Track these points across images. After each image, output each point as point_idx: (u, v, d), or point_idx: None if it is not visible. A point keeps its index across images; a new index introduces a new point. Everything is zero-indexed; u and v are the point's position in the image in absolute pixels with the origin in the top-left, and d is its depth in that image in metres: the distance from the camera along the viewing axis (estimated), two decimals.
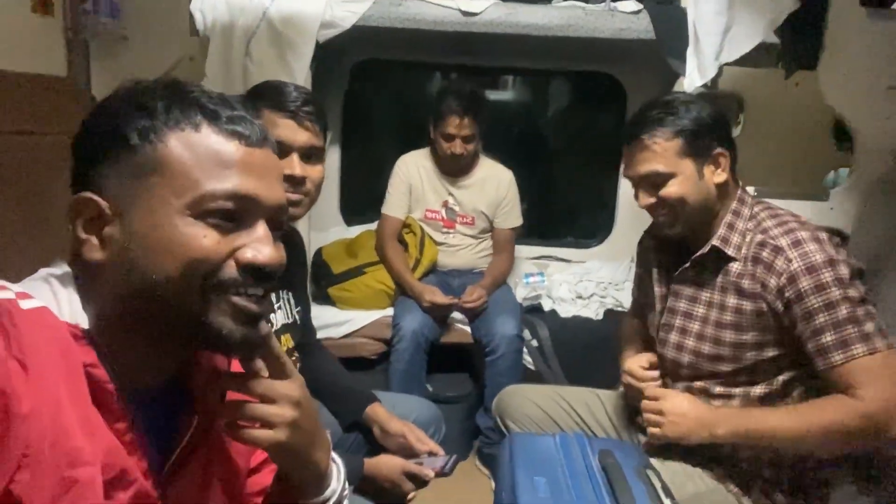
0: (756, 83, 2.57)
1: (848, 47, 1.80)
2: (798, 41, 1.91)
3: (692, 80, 1.74)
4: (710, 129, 1.42)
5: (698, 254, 1.45)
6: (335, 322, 2.60)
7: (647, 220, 1.68)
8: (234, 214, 0.71)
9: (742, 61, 2.06)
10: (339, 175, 3.17)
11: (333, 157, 3.07)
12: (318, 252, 2.80)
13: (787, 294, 1.32)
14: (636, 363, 1.55)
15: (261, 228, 0.73)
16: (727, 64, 2.06)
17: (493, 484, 2.50)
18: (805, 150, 2.61)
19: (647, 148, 1.40)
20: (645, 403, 1.45)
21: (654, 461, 1.43)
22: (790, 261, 1.32)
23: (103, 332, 0.70)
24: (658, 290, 1.59)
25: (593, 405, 1.73)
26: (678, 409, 1.39)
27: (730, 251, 1.41)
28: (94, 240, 0.70)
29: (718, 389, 1.45)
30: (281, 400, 0.75)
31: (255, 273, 0.72)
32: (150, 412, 0.74)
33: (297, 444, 0.77)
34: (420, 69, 3.51)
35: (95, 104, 0.73)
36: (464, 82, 3.03)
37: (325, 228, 3.06)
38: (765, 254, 1.37)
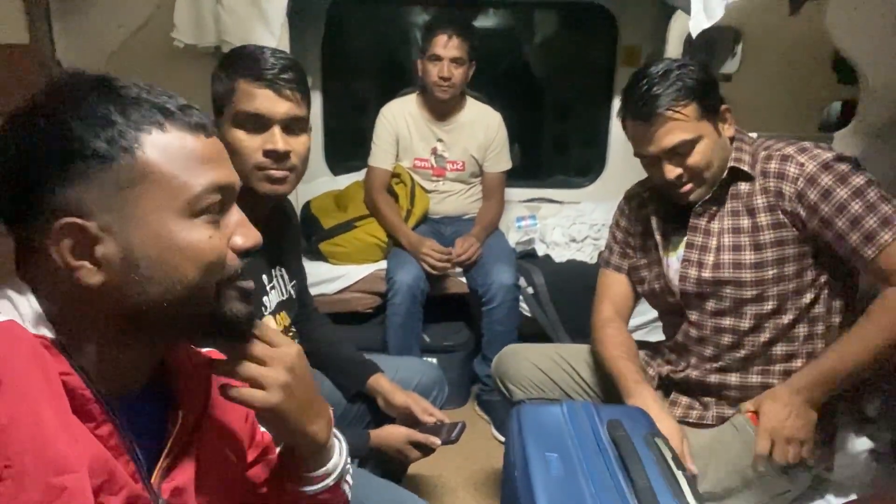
0: (754, 14, 2.46)
1: None
2: None
3: (698, 22, 1.64)
4: (713, 87, 1.45)
5: (722, 178, 1.46)
6: (328, 278, 2.56)
7: None
8: (219, 206, 0.73)
9: None
10: (322, 123, 3.05)
11: (315, 103, 2.94)
12: (307, 205, 2.72)
13: (809, 196, 1.36)
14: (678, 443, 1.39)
15: (236, 212, 0.76)
16: None
17: (493, 430, 2.55)
18: (805, 83, 2.54)
19: (670, 119, 1.40)
20: (762, 448, 1.39)
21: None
22: (802, 165, 1.38)
23: (79, 345, 0.69)
24: (661, 239, 1.58)
25: (594, 363, 1.73)
26: (775, 410, 1.38)
27: (745, 167, 1.45)
28: (88, 264, 0.67)
29: (746, 324, 1.46)
30: (274, 362, 0.78)
31: (244, 256, 0.76)
32: (134, 415, 0.73)
33: (288, 409, 0.79)
34: (400, 4, 3.34)
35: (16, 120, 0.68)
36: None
37: (311, 179, 2.95)
38: (773, 164, 1.42)
